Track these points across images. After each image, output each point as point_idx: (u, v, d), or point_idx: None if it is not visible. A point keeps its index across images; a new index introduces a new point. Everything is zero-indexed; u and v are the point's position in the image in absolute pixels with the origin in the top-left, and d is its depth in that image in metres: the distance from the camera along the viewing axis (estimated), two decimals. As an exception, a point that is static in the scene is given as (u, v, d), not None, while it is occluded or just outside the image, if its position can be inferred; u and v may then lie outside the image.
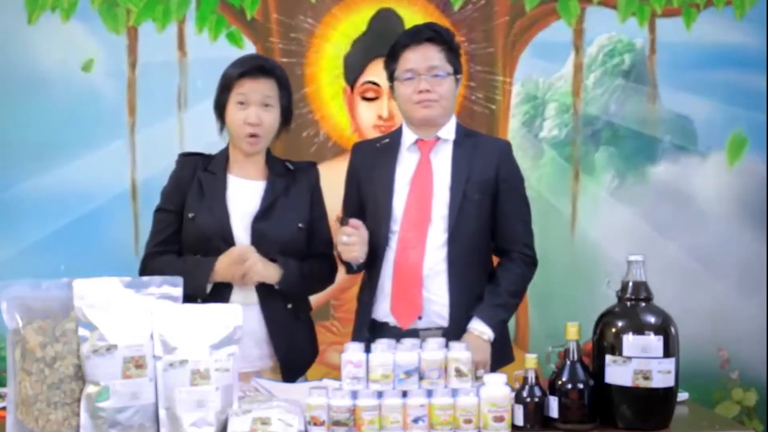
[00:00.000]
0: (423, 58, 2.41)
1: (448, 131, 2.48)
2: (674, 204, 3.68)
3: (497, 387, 1.95)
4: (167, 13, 3.50)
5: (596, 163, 3.68)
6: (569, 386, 2.00)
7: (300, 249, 2.41)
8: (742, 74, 3.69)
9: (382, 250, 2.42)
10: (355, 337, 2.41)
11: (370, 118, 3.60)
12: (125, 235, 3.45)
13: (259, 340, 2.35)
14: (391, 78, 2.49)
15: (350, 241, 2.31)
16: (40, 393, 1.82)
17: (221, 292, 2.33)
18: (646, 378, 1.96)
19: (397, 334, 2.28)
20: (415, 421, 1.91)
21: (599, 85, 3.68)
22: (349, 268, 2.45)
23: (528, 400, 1.99)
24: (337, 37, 3.59)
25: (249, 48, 3.53)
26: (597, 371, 2.03)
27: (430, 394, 1.94)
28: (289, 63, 3.47)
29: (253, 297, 2.35)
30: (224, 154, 2.45)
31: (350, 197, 2.55)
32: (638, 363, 1.97)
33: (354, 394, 1.93)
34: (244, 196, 2.40)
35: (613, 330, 2.01)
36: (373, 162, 2.51)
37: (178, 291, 1.98)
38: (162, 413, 1.86)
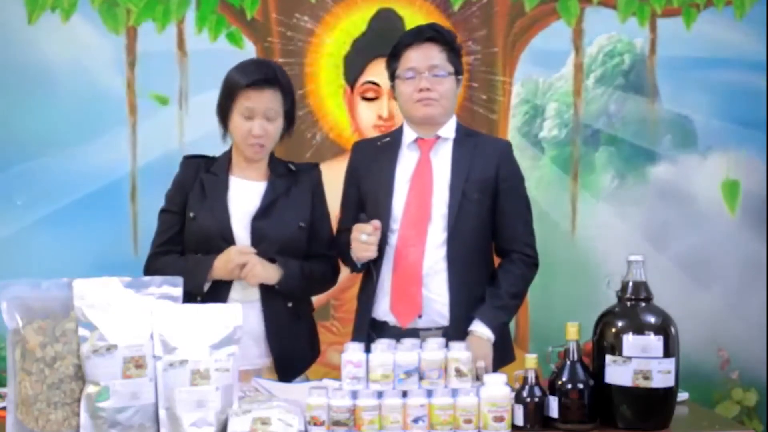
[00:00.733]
0: (424, 57, 2.42)
1: (449, 130, 2.48)
2: (674, 204, 3.68)
3: (497, 387, 1.95)
4: (167, 13, 3.50)
5: (596, 163, 3.68)
6: (569, 386, 2.00)
7: (301, 248, 2.41)
8: (742, 74, 3.68)
9: (382, 249, 2.42)
10: (356, 337, 2.41)
11: (370, 118, 3.60)
12: (124, 236, 3.46)
13: (258, 338, 2.35)
14: (393, 77, 2.50)
15: (369, 240, 2.32)
16: (40, 393, 1.82)
17: (220, 290, 2.33)
18: (646, 378, 1.96)
19: (398, 333, 2.29)
20: (415, 421, 1.91)
21: (599, 85, 3.68)
22: (354, 268, 2.46)
23: (528, 400, 1.99)
24: (337, 37, 3.59)
25: (249, 48, 3.53)
26: (597, 371, 2.03)
27: (430, 394, 1.94)
28: (288, 63, 3.47)
29: (253, 294, 2.36)
30: (227, 157, 2.46)
31: (350, 196, 2.55)
32: (638, 363, 1.97)
33: (354, 394, 1.93)
34: (245, 196, 2.40)
35: (613, 330, 2.01)
36: (373, 160, 2.51)
37: (178, 291, 1.98)
38: (162, 413, 1.86)
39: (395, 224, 2.43)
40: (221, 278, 2.32)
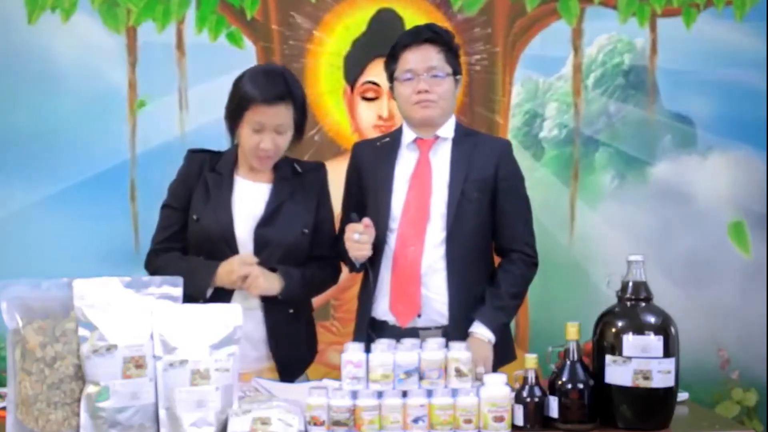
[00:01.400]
0: (422, 58, 2.42)
1: (448, 130, 2.48)
2: (674, 204, 3.68)
3: (497, 387, 1.95)
4: (167, 13, 3.50)
5: (596, 164, 3.68)
6: (569, 386, 2.00)
7: (303, 253, 2.40)
8: (742, 74, 3.69)
9: (381, 248, 2.42)
10: (357, 337, 2.41)
11: (370, 118, 3.60)
12: (125, 238, 3.46)
13: (257, 343, 2.34)
14: (391, 78, 2.49)
15: (362, 239, 2.31)
16: (40, 393, 1.82)
17: (222, 297, 2.31)
18: (646, 378, 1.96)
19: (397, 332, 2.29)
20: (415, 421, 1.91)
21: (599, 85, 3.68)
22: (353, 267, 2.46)
23: (528, 400, 1.99)
24: (337, 37, 3.59)
25: (249, 48, 3.53)
26: (597, 371, 2.03)
27: (430, 394, 1.94)
28: (288, 63, 3.46)
29: (254, 302, 2.34)
30: (233, 154, 2.43)
31: (350, 195, 2.55)
32: (638, 363, 1.97)
33: (354, 394, 1.93)
34: (249, 198, 2.38)
35: (613, 330, 2.01)
36: (373, 160, 2.52)
37: (178, 291, 1.98)
38: (162, 413, 1.86)
39: (394, 224, 2.43)
40: (223, 286, 2.31)
